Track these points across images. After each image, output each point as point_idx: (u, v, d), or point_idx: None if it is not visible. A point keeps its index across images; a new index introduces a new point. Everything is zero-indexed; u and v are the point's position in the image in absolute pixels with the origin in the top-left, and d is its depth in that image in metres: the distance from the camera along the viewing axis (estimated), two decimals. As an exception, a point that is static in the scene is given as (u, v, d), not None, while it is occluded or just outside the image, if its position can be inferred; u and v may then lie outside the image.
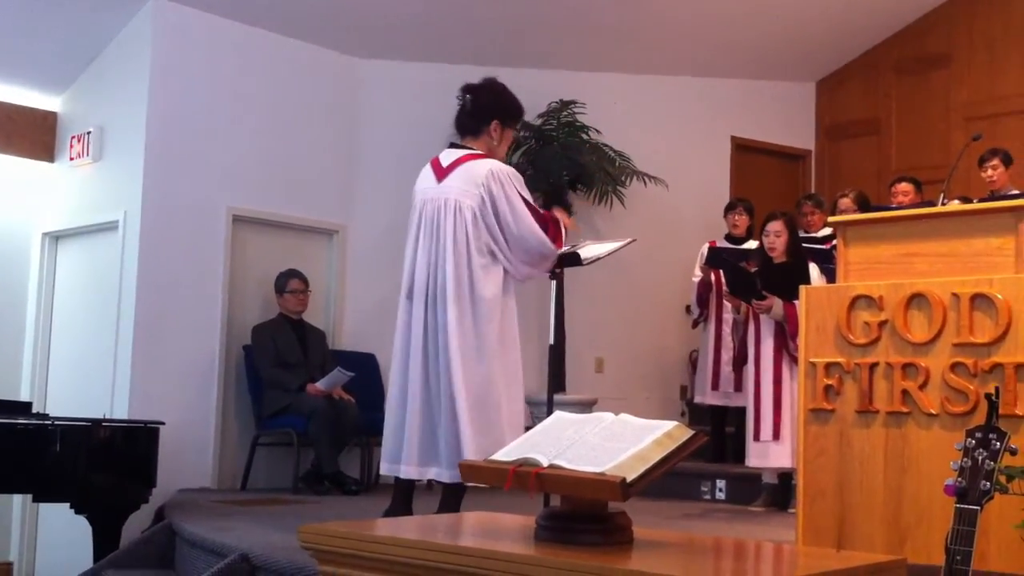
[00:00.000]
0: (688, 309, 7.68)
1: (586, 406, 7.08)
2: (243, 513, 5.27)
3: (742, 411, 6.09)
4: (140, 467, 5.55)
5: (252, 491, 6.49)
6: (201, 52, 6.87)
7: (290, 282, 6.87)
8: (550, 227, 4.36)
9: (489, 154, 4.43)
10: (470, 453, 4.05)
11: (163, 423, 5.75)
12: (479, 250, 4.27)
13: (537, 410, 7.19)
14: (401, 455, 4.26)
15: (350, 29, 7.37)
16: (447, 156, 4.44)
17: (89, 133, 7.04)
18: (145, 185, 6.57)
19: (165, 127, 6.66)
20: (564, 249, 4.91)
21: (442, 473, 4.19)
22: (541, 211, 4.42)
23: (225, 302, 6.83)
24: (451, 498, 4.25)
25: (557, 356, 7.19)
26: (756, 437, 5.74)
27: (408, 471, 4.24)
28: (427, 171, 4.46)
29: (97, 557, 5.33)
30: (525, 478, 2.46)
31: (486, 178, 4.27)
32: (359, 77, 7.65)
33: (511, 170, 4.40)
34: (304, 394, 6.49)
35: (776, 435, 5.63)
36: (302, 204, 7.27)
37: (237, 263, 6.97)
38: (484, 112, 4.42)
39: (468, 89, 4.46)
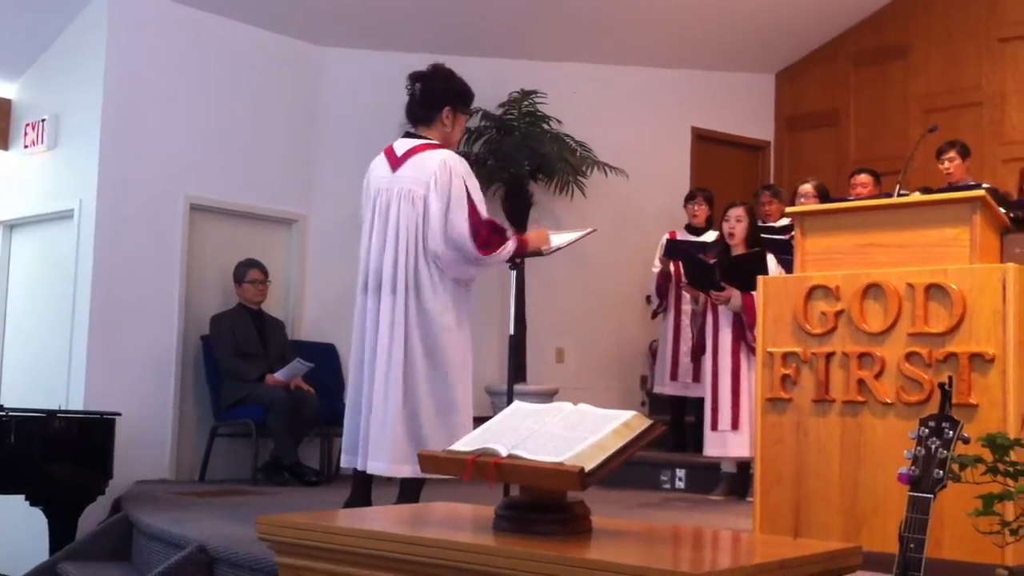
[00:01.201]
0: (648, 299, 7.71)
1: (547, 396, 7.09)
2: (201, 504, 5.24)
3: (701, 401, 6.12)
4: (96, 458, 5.50)
5: (210, 482, 6.44)
6: (158, 39, 6.79)
7: (249, 272, 6.81)
8: (482, 230, 4.22)
9: (444, 141, 4.40)
10: (419, 444, 4.05)
11: (120, 414, 5.71)
12: (432, 240, 4.24)
13: (498, 400, 7.21)
14: (358, 447, 4.24)
15: (309, 16, 7.31)
16: (401, 146, 4.40)
17: (44, 120, 6.94)
18: (101, 173, 6.49)
19: (121, 115, 6.58)
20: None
21: (380, 467, 4.16)
22: (481, 212, 4.27)
23: (183, 292, 6.77)
24: (410, 489, 4.24)
25: (517, 346, 7.20)
26: (714, 427, 5.78)
27: (364, 463, 4.22)
28: (381, 161, 4.43)
29: (53, 549, 5.28)
30: (484, 468, 2.46)
31: (440, 167, 4.24)
32: (319, 65, 7.60)
33: (464, 162, 4.36)
34: (263, 384, 6.45)
35: (734, 425, 5.68)
36: (261, 193, 7.21)
37: (195, 252, 6.90)
38: (435, 100, 4.38)
39: (416, 77, 4.41)
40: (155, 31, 6.77)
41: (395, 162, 4.36)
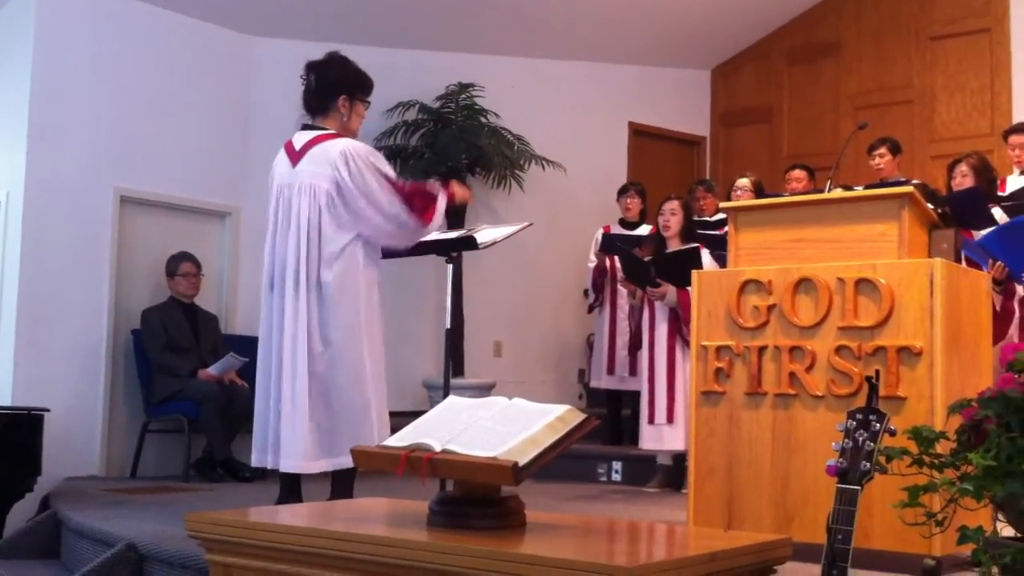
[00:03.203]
0: (585, 293, 7.75)
1: (484, 390, 7.09)
2: (131, 502, 5.17)
3: (638, 394, 6.17)
4: (24, 455, 5.40)
5: (142, 479, 6.35)
6: (88, 28, 6.65)
7: (181, 265, 6.72)
8: (414, 200, 4.23)
9: (342, 131, 4.32)
10: (330, 440, 4.05)
11: (48, 410, 5.61)
12: (335, 233, 4.18)
13: (435, 394, 7.19)
14: (267, 446, 4.19)
15: (244, 6, 7.22)
16: (299, 139, 4.32)
17: (-31, 110, 6.78)
18: (28, 164, 6.35)
19: (49, 105, 6.45)
20: (460, 233, 4.89)
21: (281, 462, 4.12)
22: (403, 183, 4.29)
23: (113, 285, 6.65)
24: (343, 485, 4.20)
25: (455, 340, 7.19)
26: (650, 420, 5.83)
27: (276, 461, 4.17)
28: (281, 156, 4.36)
29: (-21, 548, 5.17)
30: (417, 463, 2.45)
31: (338, 158, 4.17)
32: (253, 56, 7.51)
33: (365, 147, 4.30)
34: (195, 379, 6.37)
35: (670, 418, 5.73)
36: (194, 185, 7.11)
37: (126, 245, 6.79)
38: (330, 89, 4.30)
39: (310, 67, 4.33)
40: (84, 21, 6.64)
41: (294, 156, 4.28)
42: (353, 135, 4.40)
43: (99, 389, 6.52)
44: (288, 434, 4.11)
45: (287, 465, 4.14)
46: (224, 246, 7.33)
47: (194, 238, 7.07)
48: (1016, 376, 2.14)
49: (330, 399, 4.15)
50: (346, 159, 4.18)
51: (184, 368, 6.41)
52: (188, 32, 7.12)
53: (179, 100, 7.05)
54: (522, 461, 2.33)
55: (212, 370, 6.41)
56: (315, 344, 4.15)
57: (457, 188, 4.53)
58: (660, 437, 5.81)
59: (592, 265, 7.42)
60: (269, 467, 4.22)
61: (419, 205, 4.25)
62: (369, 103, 4.48)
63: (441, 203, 4.34)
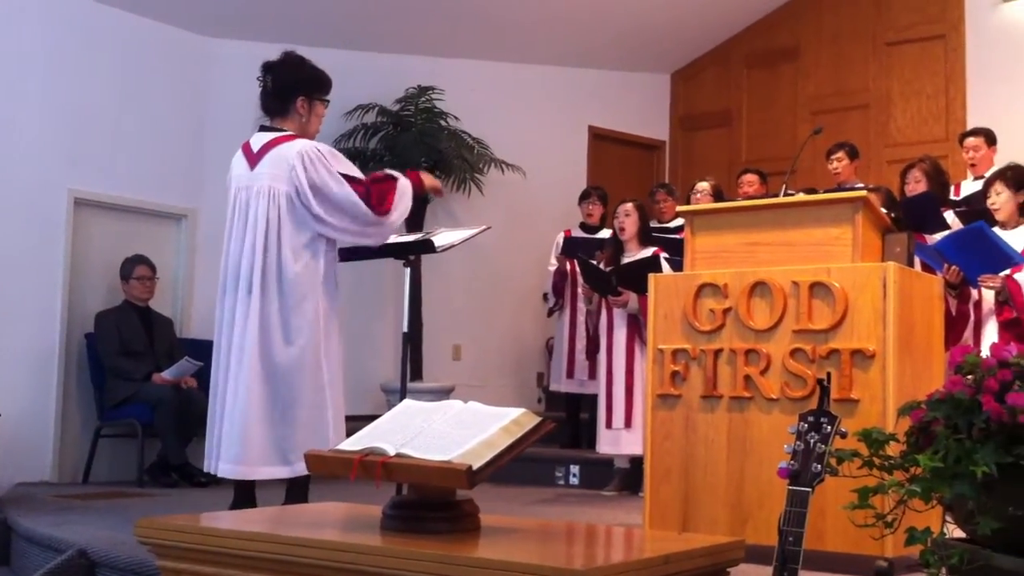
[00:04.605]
0: (545, 297, 7.75)
1: (443, 393, 7.07)
2: (83, 507, 5.11)
3: (596, 398, 6.17)
4: (-27, 461, 5.30)
5: (94, 484, 6.27)
6: (42, 29, 6.56)
7: (136, 268, 6.65)
8: (373, 194, 4.20)
9: (300, 132, 4.29)
10: (283, 445, 4.01)
11: (-1, 414, 5.52)
12: (295, 236, 4.15)
13: (393, 398, 7.15)
14: (218, 452, 4.14)
15: (200, 7, 7.15)
16: (257, 140, 4.29)
17: (-82, 110, 6.66)
18: (-20, 166, 6.26)
19: (2, 105, 6.34)
20: (417, 236, 4.87)
21: (227, 468, 4.09)
22: (364, 179, 4.25)
23: (66, 288, 6.56)
24: (297, 490, 4.17)
25: (413, 343, 7.16)
26: (608, 424, 5.84)
27: (215, 466, 4.13)
28: (239, 158, 4.32)
29: (-74, 555, 5.07)
30: (371, 467, 2.44)
31: (296, 160, 4.14)
32: (210, 57, 7.44)
33: (323, 147, 4.27)
34: (150, 383, 6.31)
35: (628, 422, 5.74)
36: (149, 187, 7.02)
37: (80, 248, 6.70)
38: (287, 90, 4.27)
39: (267, 68, 4.29)
40: (39, 19, 6.55)
41: (252, 159, 4.25)
42: (312, 136, 4.36)
43: (52, 393, 6.43)
44: (242, 439, 4.07)
45: (239, 472, 4.09)
46: (180, 249, 7.25)
47: (149, 241, 6.99)
48: (964, 379, 2.16)
49: (286, 404, 4.11)
50: (303, 161, 4.15)
51: (138, 372, 6.35)
52: (144, 33, 7.04)
53: (135, 101, 6.97)
54: (476, 465, 2.32)
55: (167, 374, 6.35)
56: (271, 347, 4.11)
57: (425, 175, 4.53)
58: (617, 441, 5.82)
59: (552, 269, 7.43)
60: (219, 473, 4.17)
61: (377, 198, 4.21)
62: (328, 102, 4.44)
63: (402, 187, 4.30)
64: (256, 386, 4.08)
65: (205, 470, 4.27)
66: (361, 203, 4.17)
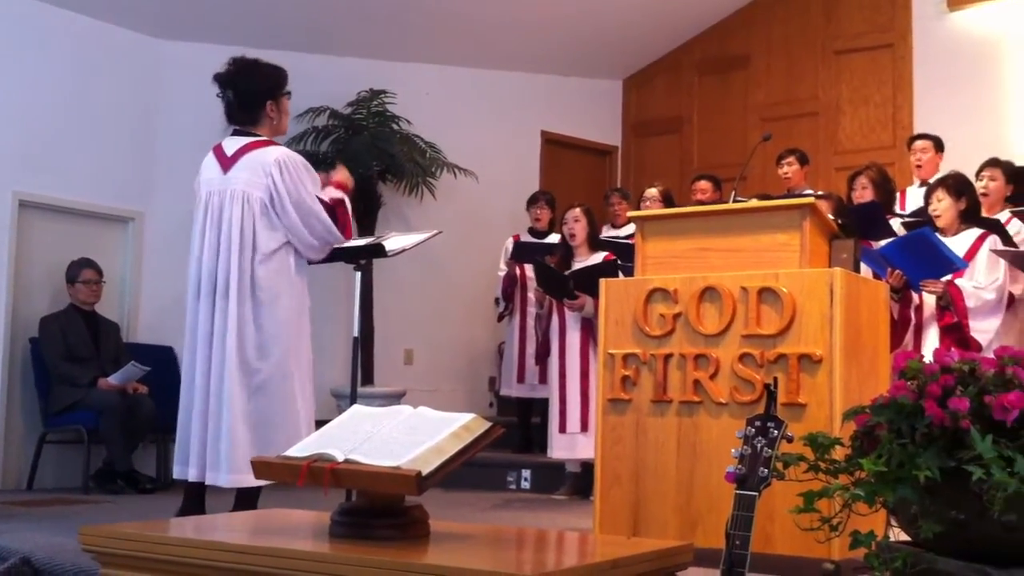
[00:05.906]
0: (496, 301, 7.75)
1: (394, 398, 7.04)
2: (27, 515, 5.03)
3: (547, 402, 6.18)
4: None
5: (39, 491, 6.19)
6: (-15, 26, 6.46)
7: (82, 272, 6.56)
8: (337, 215, 4.28)
9: (273, 133, 4.33)
10: (252, 453, 3.96)
11: (-61, 421, 5.42)
12: (268, 241, 4.16)
13: (343, 403, 7.10)
14: (190, 459, 4.11)
15: (150, 8, 7.08)
16: (230, 144, 4.28)
17: None
18: (-80, 166, 6.15)
19: (-56, 104, 6.25)
20: (369, 240, 4.87)
21: (218, 477, 4.06)
22: (327, 200, 4.31)
23: (10, 292, 6.47)
24: (246, 497, 4.13)
25: (365, 348, 7.13)
26: (562, 429, 5.84)
27: (193, 473, 4.10)
28: (211, 161, 4.30)
29: None
30: (319, 474, 2.42)
31: (273, 167, 4.15)
32: (159, 59, 7.36)
33: (299, 158, 4.29)
34: (96, 389, 6.24)
35: (583, 427, 5.74)
36: (96, 190, 6.93)
37: (24, 251, 6.60)
38: (253, 100, 4.27)
39: (224, 82, 4.25)
40: (-18, 18, 6.45)
41: (226, 162, 4.23)
42: (283, 132, 4.43)
43: (-6, 399, 6.34)
44: (217, 447, 4.04)
45: (213, 479, 4.06)
46: (127, 252, 7.17)
47: (96, 244, 6.90)
48: (907, 384, 2.19)
49: (265, 410, 4.09)
50: (281, 169, 4.17)
51: (84, 377, 6.27)
52: (92, 34, 6.96)
53: (82, 103, 6.88)
54: (426, 470, 2.31)
55: (113, 379, 6.27)
56: (248, 356, 4.10)
57: (340, 176, 4.51)
58: (573, 446, 5.82)
59: (502, 274, 7.43)
60: (194, 480, 4.12)
61: (339, 221, 4.28)
62: (290, 94, 4.43)
63: (348, 206, 4.38)
64: (241, 392, 4.07)
65: (176, 477, 4.23)
66: (330, 220, 4.23)
